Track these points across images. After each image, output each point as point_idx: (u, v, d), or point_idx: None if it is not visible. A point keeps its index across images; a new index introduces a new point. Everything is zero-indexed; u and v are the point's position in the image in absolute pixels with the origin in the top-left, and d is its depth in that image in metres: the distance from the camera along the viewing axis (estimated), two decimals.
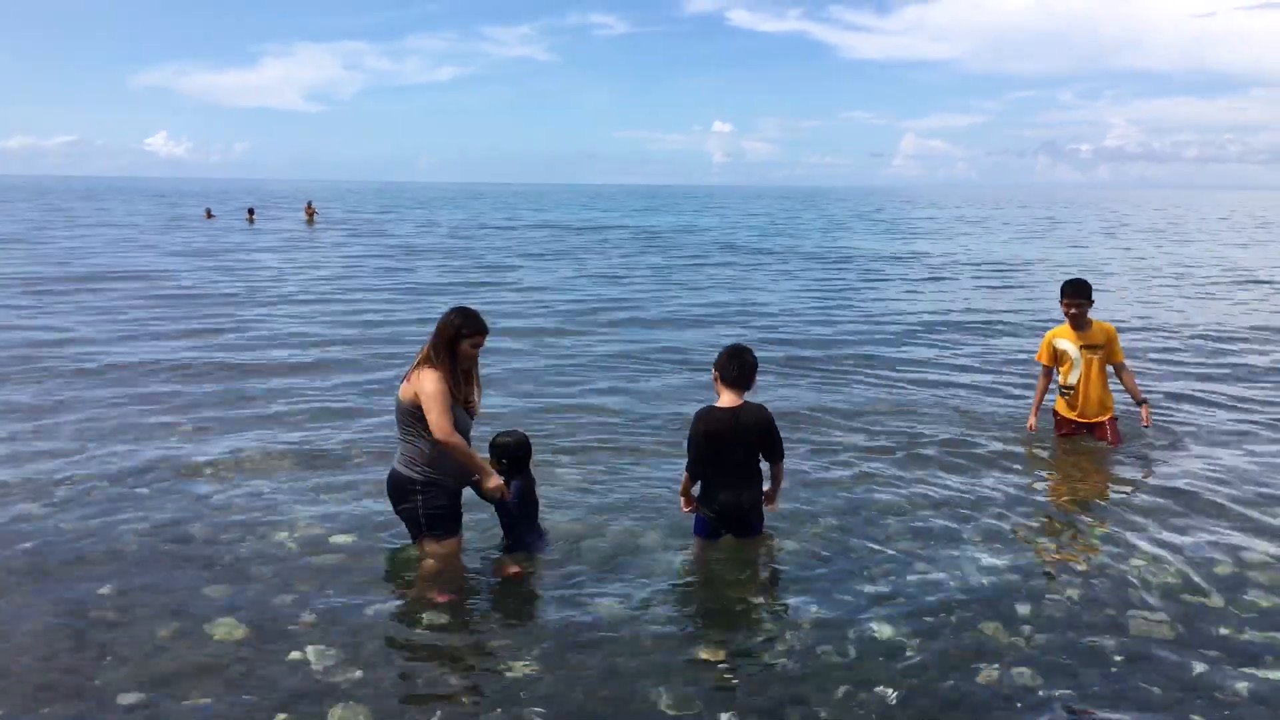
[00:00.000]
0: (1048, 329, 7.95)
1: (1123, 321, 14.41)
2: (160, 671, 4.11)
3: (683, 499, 5.34)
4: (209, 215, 46.52)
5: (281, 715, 3.81)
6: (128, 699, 3.90)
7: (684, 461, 5.20)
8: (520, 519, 5.28)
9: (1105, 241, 38.34)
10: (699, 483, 5.23)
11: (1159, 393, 9.57)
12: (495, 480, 4.99)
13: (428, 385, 4.73)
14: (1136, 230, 48.05)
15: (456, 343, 4.83)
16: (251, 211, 46.40)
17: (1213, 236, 42.54)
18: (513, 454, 5.29)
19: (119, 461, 7.05)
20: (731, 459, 5.04)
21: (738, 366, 5.01)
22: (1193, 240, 39.61)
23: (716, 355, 5.16)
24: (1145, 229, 49.40)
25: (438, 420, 4.71)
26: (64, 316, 14.44)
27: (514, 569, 5.12)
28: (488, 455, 5.27)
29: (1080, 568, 5.35)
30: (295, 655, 4.26)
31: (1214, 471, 7.07)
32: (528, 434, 5.50)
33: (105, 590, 4.88)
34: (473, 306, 5.05)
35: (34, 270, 20.84)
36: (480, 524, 5.53)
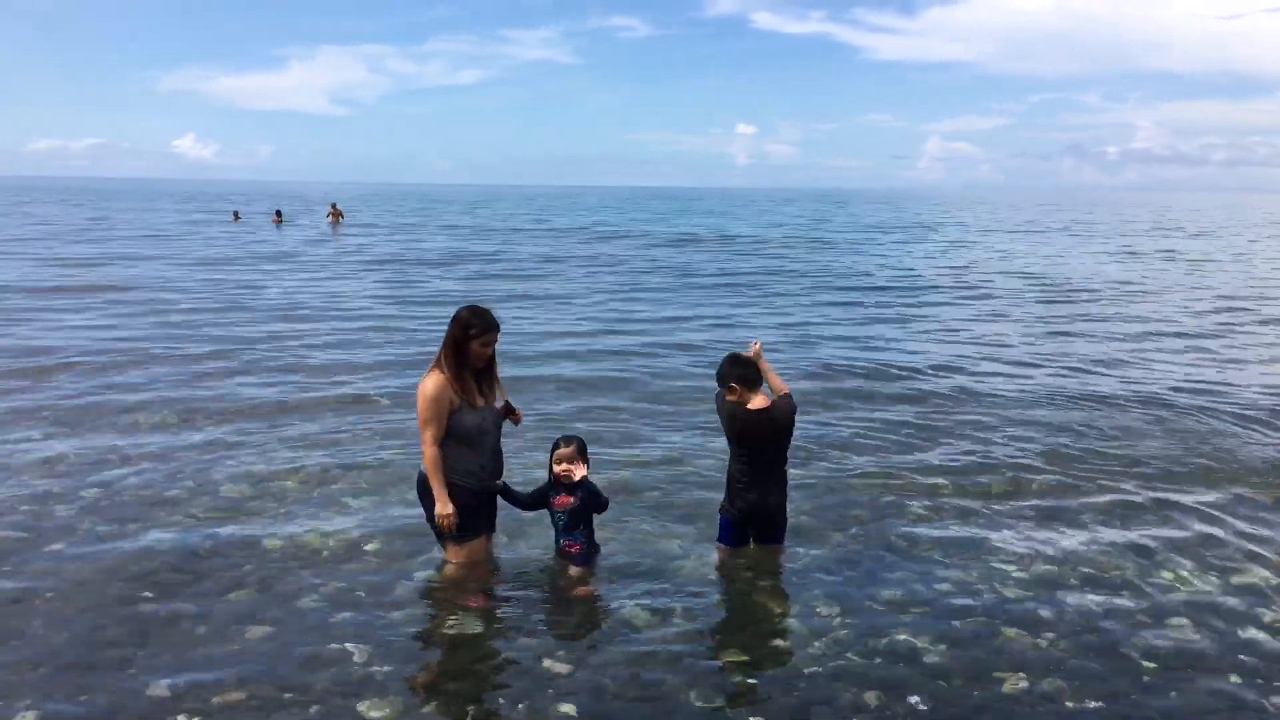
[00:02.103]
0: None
1: None
2: (194, 665, 4.19)
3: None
4: (236, 218, 46.51)
5: (316, 708, 3.87)
6: (159, 690, 3.98)
7: (711, 463, 5.17)
8: (585, 522, 5.16)
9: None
10: (726, 484, 5.24)
11: None
12: (445, 509, 4.74)
13: (427, 389, 4.68)
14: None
15: (466, 342, 4.74)
16: (278, 214, 45.65)
17: None
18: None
19: (153, 466, 7.14)
20: (762, 458, 5.07)
21: (743, 368, 5.01)
22: None
23: (717, 370, 5.11)
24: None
25: (426, 433, 4.67)
26: (101, 322, 14.65)
27: (585, 589, 5.05)
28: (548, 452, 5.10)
29: (1111, 578, 5.32)
30: (329, 651, 4.32)
31: None
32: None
33: (145, 592, 4.96)
34: (485, 305, 4.94)
35: (80, 277, 21.13)
36: (509, 528, 5.56)
